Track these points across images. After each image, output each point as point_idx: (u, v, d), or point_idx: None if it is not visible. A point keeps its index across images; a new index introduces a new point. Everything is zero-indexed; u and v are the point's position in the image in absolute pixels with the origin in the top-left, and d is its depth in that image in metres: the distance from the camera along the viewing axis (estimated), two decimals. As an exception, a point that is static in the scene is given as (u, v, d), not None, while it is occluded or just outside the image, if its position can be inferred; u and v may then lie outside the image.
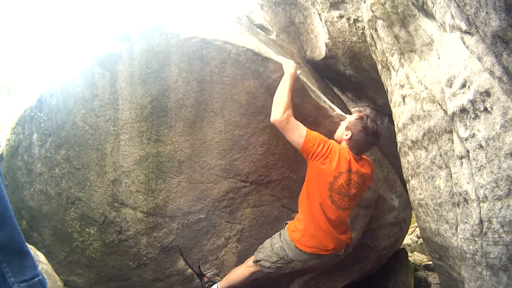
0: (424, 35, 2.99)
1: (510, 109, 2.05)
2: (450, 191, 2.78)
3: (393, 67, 3.46)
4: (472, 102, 2.25)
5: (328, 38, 4.92)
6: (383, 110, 5.65)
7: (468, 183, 2.46)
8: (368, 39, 3.72)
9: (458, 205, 2.68)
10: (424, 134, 3.03)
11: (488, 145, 2.19)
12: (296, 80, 3.30)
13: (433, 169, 3.01)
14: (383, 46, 3.44)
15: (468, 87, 2.29)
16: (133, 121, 3.50)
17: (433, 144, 2.95)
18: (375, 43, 3.59)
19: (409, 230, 6.83)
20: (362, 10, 3.63)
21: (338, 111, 3.76)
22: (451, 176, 2.75)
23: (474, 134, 2.30)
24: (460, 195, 2.60)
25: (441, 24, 2.65)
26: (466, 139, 2.39)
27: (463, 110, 2.36)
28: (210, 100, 3.41)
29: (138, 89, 3.41)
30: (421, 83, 3.03)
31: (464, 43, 2.33)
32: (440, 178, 2.92)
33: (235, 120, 3.48)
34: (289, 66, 3.27)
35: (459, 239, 2.73)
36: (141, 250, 3.91)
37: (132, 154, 3.58)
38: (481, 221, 2.38)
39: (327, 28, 4.79)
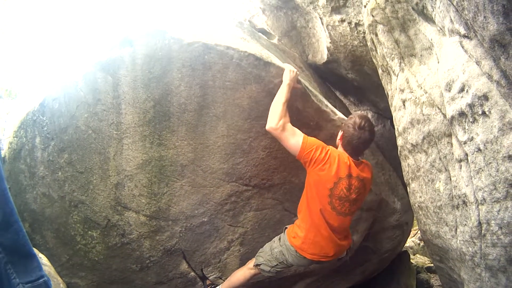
0: (424, 40, 3.03)
1: (508, 112, 2.09)
2: (450, 194, 2.83)
3: (393, 72, 3.50)
4: (471, 106, 2.29)
5: (330, 42, 4.98)
6: (384, 113, 5.71)
7: (467, 186, 2.51)
8: (368, 43, 3.77)
9: (457, 208, 2.73)
10: (424, 138, 3.08)
11: (486, 148, 2.24)
12: (292, 89, 3.34)
13: (432, 172, 3.06)
14: (383, 51, 3.48)
15: (467, 91, 2.33)
16: (136, 125, 3.56)
17: (433, 148, 2.99)
18: (375, 48, 3.64)
19: (411, 232, 6.89)
20: (363, 14, 3.69)
21: (340, 115, 3.82)
22: (451, 179, 2.79)
23: (472, 137, 2.35)
24: (459, 197, 2.65)
25: (441, 28, 2.70)
26: (465, 143, 2.44)
27: (462, 114, 2.41)
28: (212, 104, 3.47)
29: (141, 93, 3.47)
30: (421, 87, 3.08)
31: (462, 47, 2.38)
32: (440, 181, 2.96)
33: (238, 124, 3.55)
34: (287, 75, 3.32)
35: (458, 241, 2.77)
36: (144, 253, 3.97)
37: (135, 158, 3.64)
38: (480, 223, 2.42)
39: (329, 32, 4.85)
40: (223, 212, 3.92)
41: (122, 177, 3.72)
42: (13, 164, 4.02)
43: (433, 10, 2.67)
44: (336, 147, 3.38)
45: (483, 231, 2.40)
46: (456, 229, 2.81)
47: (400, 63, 3.35)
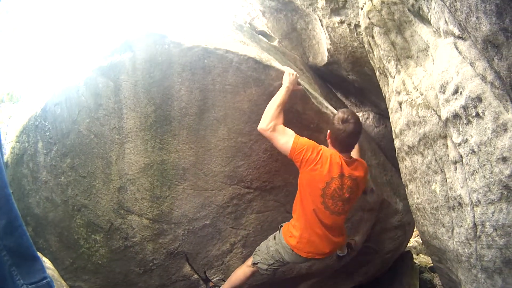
0: (420, 41, 3.08)
1: (501, 113, 2.12)
2: (446, 195, 2.89)
3: (390, 74, 3.56)
4: (464, 107, 2.34)
5: (330, 44, 5.04)
6: (386, 114, 5.76)
7: (462, 187, 2.56)
8: (366, 46, 3.82)
9: (453, 209, 2.78)
10: (420, 140, 3.14)
11: (480, 150, 2.28)
12: (292, 91, 3.42)
13: (429, 174, 3.12)
14: (380, 53, 3.54)
15: (461, 93, 2.38)
16: (137, 129, 3.65)
17: (429, 150, 3.05)
18: (372, 50, 3.69)
19: (414, 232, 6.96)
20: (360, 16, 3.76)
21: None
22: (446, 181, 2.85)
23: (466, 139, 2.40)
24: (455, 199, 2.70)
25: (436, 30, 2.75)
26: (459, 144, 2.49)
27: (456, 115, 2.46)
28: (213, 108, 3.55)
29: (142, 98, 3.56)
30: (417, 89, 3.13)
31: (457, 48, 2.42)
32: (436, 183, 3.02)
33: (238, 127, 3.63)
34: (287, 78, 3.40)
35: (455, 242, 2.83)
36: (147, 256, 4.06)
37: (137, 162, 3.73)
38: (475, 225, 2.47)
39: (329, 34, 4.90)
40: (225, 215, 3.99)
41: (125, 181, 3.81)
42: (16, 168, 4.09)
43: (429, 11, 2.71)
44: (327, 147, 3.43)
45: (478, 233, 2.45)
46: (452, 230, 2.87)
47: (397, 65, 3.41)
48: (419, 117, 3.08)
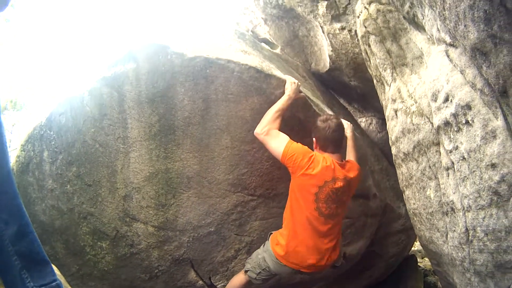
0: (415, 48, 3.19)
1: (490, 121, 2.22)
2: (440, 201, 3.00)
3: (386, 82, 3.68)
4: (455, 115, 2.46)
5: (332, 50, 5.16)
6: (388, 120, 5.94)
7: (454, 193, 2.68)
8: (363, 54, 3.94)
9: (446, 214, 2.90)
10: (414, 147, 3.27)
11: (470, 157, 2.39)
12: (294, 99, 3.57)
13: (423, 180, 3.23)
14: (376, 61, 3.66)
15: (451, 101, 2.50)
16: (142, 139, 3.79)
17: (423, 156, 3.17)
18: (369, 58, 3.81)
19: (417, 236, 7.10)
20: (356, 25, 3.88)
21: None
22: (440, 187, 2.97)
23: (457, 146, 2.52)
24: (448, 204, 2.82)
25: (430, 37, 2.86)
26: (451, 151, 2.61)
27: (447, 123, 2.59)
28: (216, 117, 3.68)
29: (146, 108, 3.69)
30: (412, 97, 3.25)
31: (448, 56, 2.54)
32: (430, 189, 3.14)
33: (241, 136, 3.76)
34: (288, 87, 3.56)
35: (449, 247, 2.95)
36: (152, 262, 4.17)
37: (142, 171, 3.86)
38: (467, 230, 2.59)
39: (330, 41, 5.02)
40: (230, 222, 4.11)
41: (130, 189, 3.94)
42: (21, 177, 4.23)
43: (423, 18, 2.82)
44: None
45: (470, 237, 2.57)
46: (446, 235, 2.99)
47: (392, 73, 3.52)
48: (413, 124, 3.20)
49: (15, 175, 4.28)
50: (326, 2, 4.68)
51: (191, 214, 4.02)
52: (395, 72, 3.49)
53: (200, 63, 3.55)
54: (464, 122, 2.41)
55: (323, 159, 3.39)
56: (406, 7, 3.00)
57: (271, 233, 3.81)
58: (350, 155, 3.86)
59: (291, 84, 3.58)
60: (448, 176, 2.75)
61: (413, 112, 3.21)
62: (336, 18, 4.69)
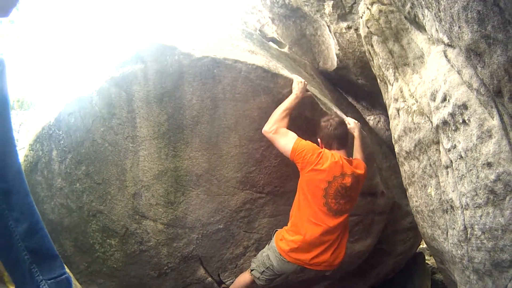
0: (416, 48, 3.31)
1: (486, 120, 2.32)
2: (440, 199, 3.10)
3: (389, 81, 3.80)
4: (452, 115, 2.58)
5: (339, 49, 5.29)
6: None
7: (453, 191, 2.79)
8: (367, 54, 4.05)
9: (446, 212, 3.00)
10: (415, 145, 3.38)
11: (467, 156, 2.50)
12: (301, 98, 3.72)
13: (424, 178, 3.35)
14: (379, 61, 3.78)
15: (448, 101, 2.61)
16: (151, 138, 3.94)
17: (424, 155, 3.28)
18: (372, 58, 3.93)
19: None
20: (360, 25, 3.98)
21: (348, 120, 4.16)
22: (440, 185, 3.07)
23: (455, 145, 2.63)
24: (447, 202, 2.92)
25: (430, 37, 2.97)
26: (449, 150, 2.72)
27: (445, 122, 2.70)
28: (224, 116, 3.83)
29: (154, 107, 3.84)
30: (413, 97, 3.37)
31: (446, 56, 2.65)
32: (431, 186, 3.24)
33: (249, 134, 3.91)
34: (296, 87, 3.70)
35: (449, 244, 3.04)
36: (162, 260, 4.33)
37: (151, 169, 4.02)
38: (465, 228, 2.69)
39: (337, 40, 5.15)
40: (238, 219, 4.26)
41: (139, 187, 4.09)
42: (30, 176, 4.35)
43: (424, 18, 2.92)
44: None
45: (468, 235, 2.67)
46: (447, 232, 3.08)
47: (395, 72, 3.64)
48: (414, 123, 3.33)
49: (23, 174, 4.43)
50: (332, 2, 4.81)
51: (200, 212, 4.16)
52: (397, 72, 3.61)
53: (207, 63, 3.68)
54: (461, 121, 2.51)
55: (332, 155, 3.54)
56: (407, 7, 3.11)
57: (276, 231, 3.93)
58: (357, 154, 4.00)
59: (298, 83, 3.72)
60: (448, 174, 2.86)
61: (414, 111, 3.32)
62: (342, 17, 4.82)
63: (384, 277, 6.04)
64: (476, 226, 2.56)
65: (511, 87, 2.06)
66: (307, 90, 3.88)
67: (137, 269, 4.44)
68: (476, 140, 2.40)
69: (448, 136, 2.72)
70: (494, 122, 2.28)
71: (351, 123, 4.06)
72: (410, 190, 3.77)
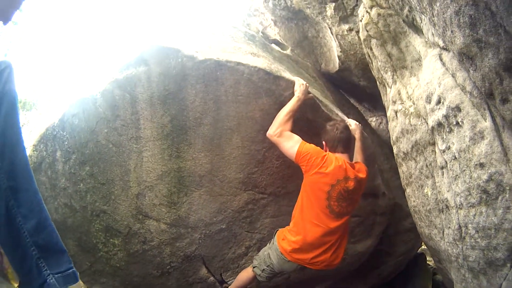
0: (414, 51, 3.41)
1: (478, 122, 2.42)
2: (436, 199, 3.20)
3: (387, 84, 3.91)
4: (446, 117, 2.69)
5: (340, 51, 5.39)
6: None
7: (448, 191, 2.90)
8: (366, 57, 4.16)
9: (442, 211, 3.11)
10: (412, 147, 3.50)
11: (460, 157, 2.61)
12: (304, 100, 3.83)
13: (421, 179, 3.46)
14: (378, 64, 3.89)
15: (442, 103, 2.72)
16: (154, 139, 4.05)
17: (420, 156, 3.40)
18: (371, 61, 4.04)
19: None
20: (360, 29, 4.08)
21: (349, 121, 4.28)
22: (436, 185, 3.17)
23: (449, 146, 2.74)
24: (443, 202, 3.03)
25: (427, 40, 3.07)
26: (444, 151, 2.83)
27: (440, 124, 2.82)
28: (226, 118, 3.94)
29: (158, 109, 3.95)
30: (410, 99, 3.47)
31: (441, 60, 2.76)
32: (428, 187, 3.36)
33: (251, 136, 4.02)
34: (297, 90, 3.81)
35: (445, 243, 3.15)
36: (164, 259, 4.46)
37: (155, 170, 4.14)
38: (460, 227, 2.79)
39: (339, 42, 5.25)
40: (241, 219, 4.39)
41: (143, 187, 4.21)
42: (34, 176, 4.52)
43: (421, 22, 3.02)
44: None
45: (463, 234, 2.77)
46: (443, 232, 3.19)
47: (393, 75, 3.75)
48: (411, 125, 3.44)
49: (27, 174, 4.56)
50: (334, 4, 4.91)
51: (202, 212, 4.28)
52: (396, 74, 3.72)
53: (210, 65, 3.78)
54: (454, 123, 2.63)
55: (336, 159, 3.67)
56: (406, 10, 3.21)
57: (278, 230, 4.05)
58: (358, 156, 4.11)
59: (299, 85, 3.84)
60: (443, 174, 2.97)
61: (411, 113, 3.43)
62: (344, 19, 4.92)
63: (385, 278, 6.12)
64: (470, 225, 2.66)
65: (502, 90, 2.12)
66: (309, 92, 3.99)
67: (140, 268, 4.56)
68: (469, 141, 2.51)
69: (443, 137, 2.83)
70: (487, 123, 2.39)
71: (353, 124, 4.17)
72: (408, 191, 3.88)
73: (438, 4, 2.28)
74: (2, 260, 2.35)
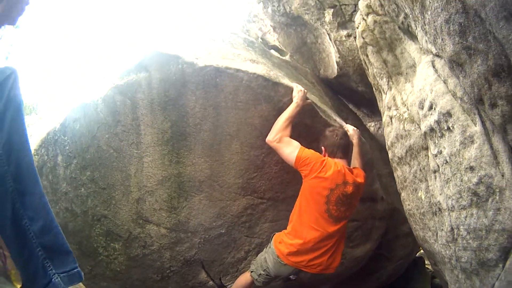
0: (409, 58, 3.49)
1: (468, 127, 2.51)
2: (429, 202, 3.28)
3: (383, 90, 4.00)
4: (438, 122, 2.78)
5: (339, 57, 5.47)
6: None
7: (440, 194, 2.98)
8: (363, 63, 4.24)
9: (435, 214, 3.18)
10: (406, 151, 3.58)
11: (451, 161, 2.69)
12: (302, 106, 3.92)
13: (415, 182, 3.54)
14: (374, 71, 3.98)
15: (434, 109, 2.82)
16: (155, 144, 4.14)
17: (414, 160, 3.48)
18: (368, 68, 4.13)
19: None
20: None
21: (348, 127, 4.36)
22: (429, 188, 3.25)
23: (441, 151, 2.83)
24: (436, 205, 3.11)
25: (422, 47, 3.15)
26: (436, 156, 2.93)
27: (432, 129, 2.91)
28: (226, 124, 4.04)
29: (158, 115, 4.04)
30: (405, 105, 3.56)
31: (434, 66, 2.85)
32: (421, 190, 3.44)
33: (251, 141, 4.12)
34: (296, 96, 3.90)
35: (439, 245, 3.22)
36: (164, 263, 4.53)
37: (155, 175, 4.22)
38: (452, 229, 2.87)
39: (337, 47, 5.35)
40: (240, 224, 4.47)
41: (143, 192, 4.29)
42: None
43: (416, 28, 3.09)
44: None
45: (455, 236, 2.86)
46: (437, 234, 3.26)
47: (388, 81, 3.83)
48: (405, 130, 3.53)
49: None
50: (332, 10, 5.02)
51: (202, 217, 4.37)
52: (391, 80, 3.81)
53: (210, 72, 3.88)
54: (446, 128, 2.72)
55: (335, 164, 3.77)
56: (401, 17, 3.30)
57: (274, 234, 4.14)
58: (356, 161, 4.21)
59: (298, 91, 3.94)
60: (436, 178, 3.05)
61: (406, 118, 3.53)
62: (342, 25, 5.02)
63: (384, 282, 6.19)
64: (461, 227, 2.74)
65: (491, 95, 2.20)
66: (307, 98, 4.08)
67: (140, 272, 4.63)
68: (459, 145, 2.60)
69: (435, 142, 2.93)
70: (476, 128, 2.47)
71: (350, 130, 4.27)
72: (403, 194, 3.97)
73: (429, 13, 2.38)
74: (6, 262, 2.37)
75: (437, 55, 2.83)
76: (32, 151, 4.60)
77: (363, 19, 3.81)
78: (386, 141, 4.11)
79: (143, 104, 4.07)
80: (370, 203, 4.91)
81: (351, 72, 5.60)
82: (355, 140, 4.26)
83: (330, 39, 5.41)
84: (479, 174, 2.47)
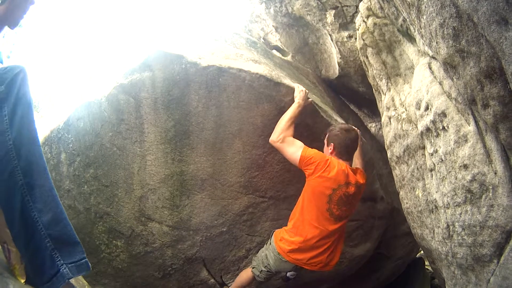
0: (407, 60, 3.59)
1: (462, 126, 2.62)
2: (426, 200, 3.38)
3: (382, 91, 4.10)
4: (433, 122, 2.89)
5: (340, 58, 5.57)
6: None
7: (436, 192, 3.08)
8: (363, 65, 4.33)
9: (432, 212, 3.28)
10: (404, 151, 3.69)
11: (446, 159, 2.80)
12: (304, 106, 4.00)
13: (413, 181, 3.64)
14: (373, 72, 4.07)
15: (430, 109, 2.92)
16: (158, 143, 4.23)
17: (412, 159, 3.58)
18: (367, 69, 4.22)
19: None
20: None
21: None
22: (426, 186, 3.36)
23: (437, 149, 2.93)
24: (432, 203, 3.21)
25: (420, 49, 3.25)
26: (432, 154, 3.03)
27: (428, 129, 3.02)
28: (228, 123, 4.13)
29: (162, 114, 4.12)
30: (403, 105, 3.66)
31: (430, 68, 2.96)
32: (419, 189, 3.54)
33: (252, 141, 4.21)
34: (297, 96, 3.99)
35: (435, 242, 3.32)
36: (166, 261, 4.63)
37: (158, 173, 4.31)
38: (448, 225, 2.97)
39: (338, 48, 5.44)
40: (241, 222, 4.56)
41: (146, 190, 4.38)
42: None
43: (415, 31, 3.20)
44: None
45: (450, 232, 2.95)
46: (433, 231, 3.36)
47: (387, 82, 3.93)
48: (403, 130, 3.63)
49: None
50: (334, 11, 5.11)
51: (204, 215, 4.46)
52: (390, 82, 3.91)
53: (213, 72, 3.97)
54: (441, 128, 2.83)
55: (338, 164, 3.84)
56: (400, 20, 3.40)
57: (274, 231, 4.22)
58: (357, 161, 4.30)
59: (299, 92, 4.02)
60: (432, 176, 3.16)
61: (403, 119, 3.63)
62: (343, 26, 5.12)
63: (383, 282, 6.27)
64: (456, 224, 2.84)
65: (483, 96, 2.28)
66: (309, 98, 4.15)
67: (141, 270, 4.71)
68: (454, 144, 2.71)
69: (431, 141, 3.03)
70: (470, 127, 2.58)
71: None
72: (401, 193, 4.07)
73: (425, 17, 2.48)
74: (10, 257, 2.45)
75: (434, 57, 2.93)
76: (36, 149, 4.77)
77: (364, 21, 3.91)
78: (384, 140, 4.21)
79: (146, 103, 4.15)
80: (370, 202, 5.00)
81: (352, 72, 5.70)
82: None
83: (332, 40, 5.51)
84: (473, 172, 2.58)
